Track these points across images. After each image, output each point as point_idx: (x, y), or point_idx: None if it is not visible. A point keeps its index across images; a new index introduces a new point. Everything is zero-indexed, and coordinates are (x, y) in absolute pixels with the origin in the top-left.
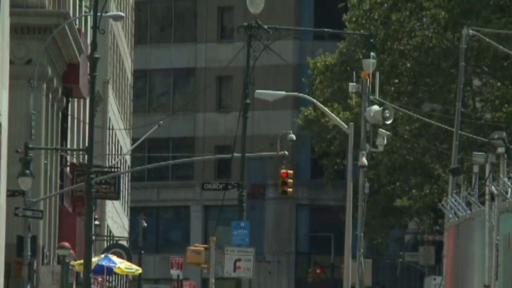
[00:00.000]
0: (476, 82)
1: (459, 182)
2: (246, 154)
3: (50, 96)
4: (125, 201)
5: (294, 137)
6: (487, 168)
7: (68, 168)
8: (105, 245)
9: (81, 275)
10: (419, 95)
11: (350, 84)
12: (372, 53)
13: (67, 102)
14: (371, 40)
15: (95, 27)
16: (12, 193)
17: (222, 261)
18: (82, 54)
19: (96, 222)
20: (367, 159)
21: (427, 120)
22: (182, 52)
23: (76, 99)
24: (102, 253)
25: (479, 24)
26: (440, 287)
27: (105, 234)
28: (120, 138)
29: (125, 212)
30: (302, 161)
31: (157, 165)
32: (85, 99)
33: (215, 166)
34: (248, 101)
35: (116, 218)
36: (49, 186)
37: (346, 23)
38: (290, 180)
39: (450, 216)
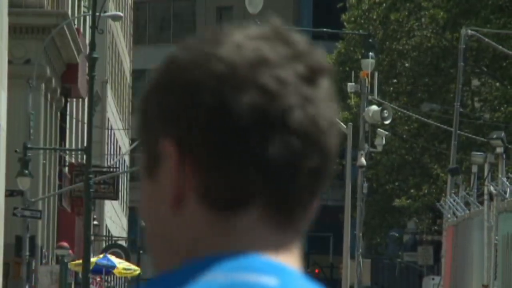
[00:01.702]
0: (475, 82)
1: (457, 182)
2: None
3: (49, 96)
4: (123, 201)
5: None
6: (486, 168)
7: (66, 168)
8: (104, 245)
9: (80, 275)
10: (418, 95)
11: (349, 84)
12: (370, 53)
13: (66, 102)
14: (370, 40)
15: (93, 27)
16: (10, 193)
17: None
18: (81, 54)
19: (95, 222)
20: (365, 159)
21: (425, 120)
22: None
23: (74, 99)
24: (101, 253)
25: (478, 24)
26: (439, 287)
27: (104, 234)
28: (119, 138)
29: (123, 212)
30: None
31: None
32: (83, 99)
33: None
34: None
35: (114, 218)
36: (47, 186)
37: (345, 23)
38: None
39: (449, 216)
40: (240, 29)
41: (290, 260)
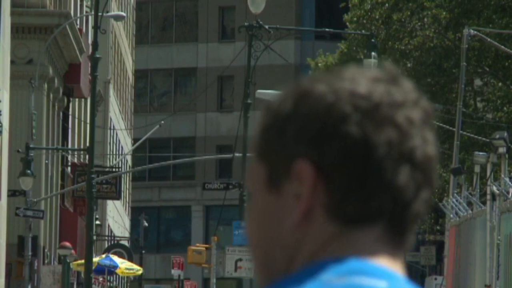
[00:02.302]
0: (478, 82)
1: (460, 182)
2: (247, 154)
3: (51, 96)
4: (126, 201)
5: None
6: (488, 168)
7: (69, 168)
8: (106, 245)
9: (82, 275)
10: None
11: None
12: (373, 53)
13: (68, 102)
14: (372, 40)
15: (96, 27)
16: (13, 193)
17: (223, 261)
18: (83, 54)
19: (97, 222)
20: None
21: None
22: (183, 52)
23: (77, 99)
24: (103, 253)
25: (481, 24)
26: (441, 287)
27: (106, 234)
28: (121, 138)
29: (126, 212)
30: None
31: (158, 165)
32: (86, 99)
33: (216, 166)
34: (249, 101)
35: (117, 218)
36: (50, 186)
37: (347, 23)
38: None
39: (451, 216)
40: (361, 71)
41: (398, 268)
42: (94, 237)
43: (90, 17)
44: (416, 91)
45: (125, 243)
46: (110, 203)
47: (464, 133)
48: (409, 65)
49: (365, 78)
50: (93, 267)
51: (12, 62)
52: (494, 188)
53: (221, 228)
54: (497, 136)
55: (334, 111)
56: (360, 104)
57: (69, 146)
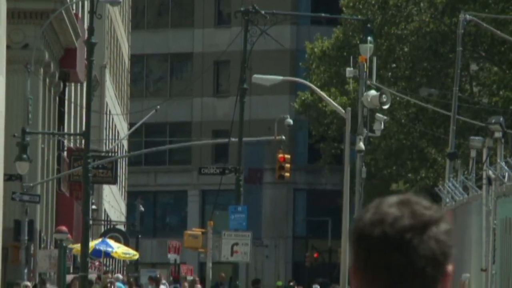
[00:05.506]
0: (474, 66)
1: (456, 167)
2: (244, 139)
3: (47, 80)
4: (122, 185)
5: (291, 121)
6: (484, 152)
7: (65, 153)
8: (103, 230)
9: (78, 259)
10: (416, 80)
11: (347, 69)
12: (369, 38)
13: (64, 86)
14: (368, 25)
15: (92, 12)
16: (9, 178)
17: (219, 245)
18: (79, 39)
19: (93, 207)
20: (364, 144)
21: (424, 104)
22: (179, 37)
23: (73, 84)
24: (100, 238)
25: (477, 9)
26: None
27: (102, 218)
28: (117, 123)
29: (122, 196)
30: (299, 146)
31: (154, 150)
32: (82, 84)
33: (212, 151)
34: (245, 86)
35: (113, 202)
36: (46, 171)
37: (343, 8)
38: (287, 165)
39: (447, 200)
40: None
41: None
42: (90, 222)
43: (86, 2)
44: (424, 209)
45: (121, 227)
46: (106, 188)
47: (460, 117)
48: (405, 49)
49: (384, 207)
50: (90, 251)
51: (7, 47)
52: (490, 173)
53: (217, 212)
54: (493, 121)
55: (357, 232)
56: (375, 232)
57: (65, 130)
